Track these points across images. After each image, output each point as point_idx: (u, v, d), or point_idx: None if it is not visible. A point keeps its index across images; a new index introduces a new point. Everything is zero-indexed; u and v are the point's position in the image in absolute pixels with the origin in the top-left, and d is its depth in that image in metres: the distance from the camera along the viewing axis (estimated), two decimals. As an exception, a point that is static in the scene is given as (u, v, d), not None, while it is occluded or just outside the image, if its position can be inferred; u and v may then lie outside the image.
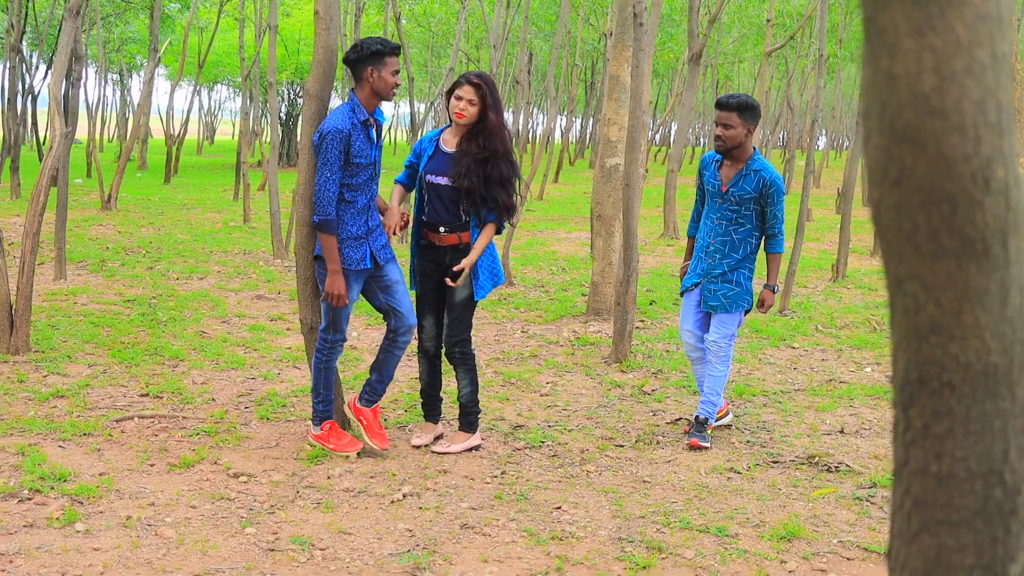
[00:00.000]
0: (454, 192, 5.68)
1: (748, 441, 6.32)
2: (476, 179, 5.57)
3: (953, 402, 1.23)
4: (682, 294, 6.47)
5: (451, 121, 5.74)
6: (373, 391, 5.96)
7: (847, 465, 5.87)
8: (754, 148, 6.14)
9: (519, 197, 5.90)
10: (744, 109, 6.03)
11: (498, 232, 5.86)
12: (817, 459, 5.95)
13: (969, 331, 1.20)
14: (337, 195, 5.53)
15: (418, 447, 5.97)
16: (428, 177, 5.77)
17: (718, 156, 6.19)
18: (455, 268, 5.68)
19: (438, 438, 6.13)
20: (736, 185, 6.07)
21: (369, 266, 5.72)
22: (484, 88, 5.55)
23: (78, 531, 4.60)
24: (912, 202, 1.16)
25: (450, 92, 5.67)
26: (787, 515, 5.10)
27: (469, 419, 6.04)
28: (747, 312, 6.26)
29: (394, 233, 5.91)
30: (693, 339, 6.41)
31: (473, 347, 6.02)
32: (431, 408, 6.22)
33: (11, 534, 4.53)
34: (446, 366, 6.21)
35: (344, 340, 5.88)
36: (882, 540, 4.81)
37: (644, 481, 5.58)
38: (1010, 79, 1.10)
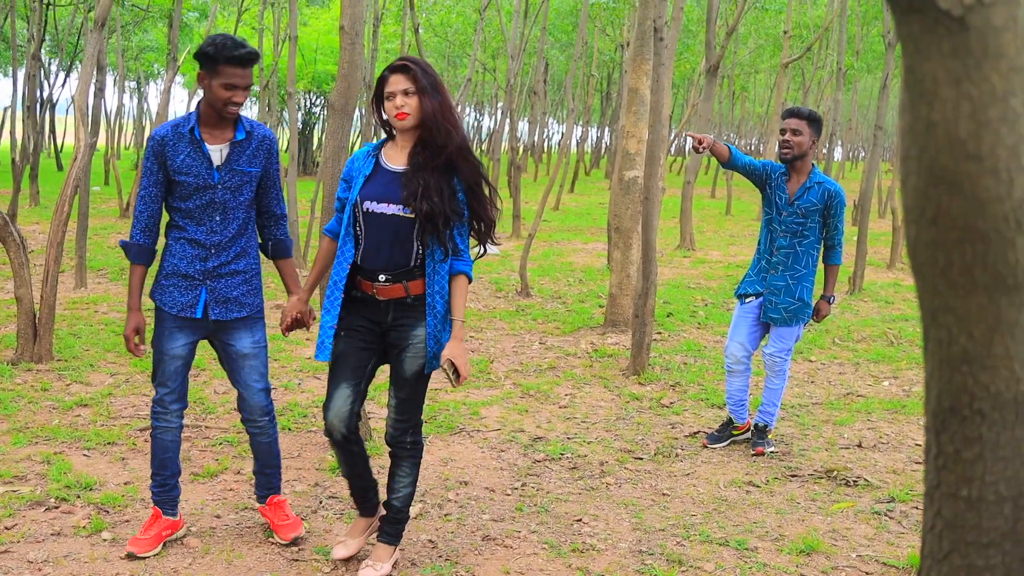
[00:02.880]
0: (406, 224, 4.09)
1: (766, 454, 6.36)
2: (438, 199, 4.02)
3: (983, 429, 1.29)
4: (739, 296, 6.43)
5: (389, 133, 4.28)
6: (261, 483, 4.90)
7: (865, 479, 5.90)
8: (813, 164, 6.26)
9: (494, 208, 4.29)
10: (813, 120, 6.17)
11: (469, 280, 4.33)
12: (835, 473, 5.99)
13: (999, 361, 1.26)
14: (153, 215, 4.47)
15: (342, 560, 4.57)
16: (367, 205, 4.14)
17: (782, 168, 6.24)
18: (442, 361, 4.17)
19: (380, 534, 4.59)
20: (802, 197, 6.13)
21: (198, 316, 4.52)
22: (415, 69, 4.06)
23: (104, 539, 4.66)
24: (947, 239, 1.21)
25: (379, 95, 4.19)
26: (806, 529, 5.13)
27: (398, 528, 4.54)
28: (805, 324, 6.35)
29: (282, 331, 4.64)
30: (742, 352, 6.40)
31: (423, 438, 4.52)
32: (363, 498, 4.65)
33: (39, 542, 4.60)
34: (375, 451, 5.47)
35: (178, 402, 4.69)
36: (901, 554, 4.84)
37: (663, 494, 5.62)
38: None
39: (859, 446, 6.60)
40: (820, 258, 6.32)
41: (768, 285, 6.26)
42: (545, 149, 48.63)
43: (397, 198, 4.09)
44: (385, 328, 4.27)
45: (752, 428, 6.53)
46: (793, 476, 5.98)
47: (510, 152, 23.61)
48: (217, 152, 4.41)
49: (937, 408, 1.31)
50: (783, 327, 6.29)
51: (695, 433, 6.76)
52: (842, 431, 6.94)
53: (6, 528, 4.74)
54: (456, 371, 4.15)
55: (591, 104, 36.76)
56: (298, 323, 4.57)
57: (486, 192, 4.20)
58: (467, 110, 51.57)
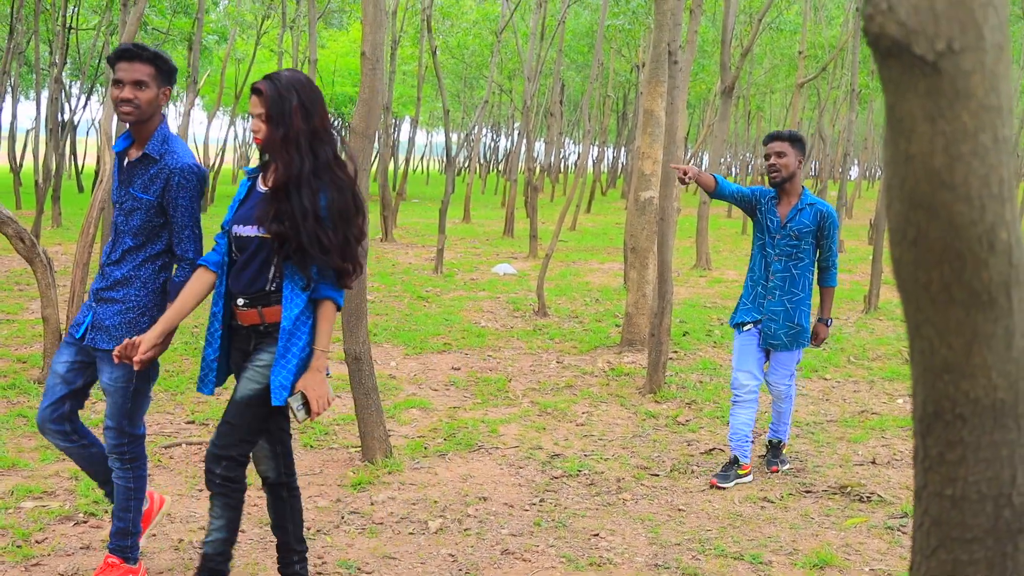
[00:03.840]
0: (264, 246, 3.89)
1: (781, 471, 6.44)
2: (288, 222, 3.77)
3: (965, 433, 1.41)
4: (736, 325, 6.31)
5: None
6: (116, 536, 4.41)
7: (879, 495, 5.97)
8: (803, 186, 6.24)
9: (357, 246, 3.93)
10: (795, 140, 6.15)
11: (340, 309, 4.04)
12: (849, 489, 6.06)
13: (978, 370, 1.38)
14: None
15: None
16: (235, 229, 3.99)
17: (772, 193, 6.22)
18: (295, 391, 3.86)
19: None
20: (794, 220, 6.09)
21: (76, 337, 4.26)
22: (266, 95, 3.79)
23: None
24: (927, 259, 1.33)
25: None
26: (820, 543, 5.21)
27: None
28: (803, 348, 6.34)
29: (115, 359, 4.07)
30: (753, 381, 6.23)
31: (245, 479, 4.08)
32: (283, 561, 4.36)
33: (69, 555, 4.71)
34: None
35: (56, 423, 4.32)
36: (913, 568, 4.91)
37: (679, 509, 5.70)
38: (1012, 157, 1.29)
39: (873, 463, 6.67)
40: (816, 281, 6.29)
41: (766, 311, 6.19)
42: (562, 169, 48.77)
43: (253, 218, 3.91)
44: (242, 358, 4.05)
45: (767, 445, 6.59)
46: (807, 492, 6.06)
47: (527, 172, 23.79)
48: (125, 168, 4.20)
49: (923, 414, 1.43)
50: (783, 352, 6.26)
51: (710, 450, 6.84)
52: (856, 448, 7.01)
53: (36, 542, 4.86)
54: (307, 405, 3.85)
55: (607, 124, 36.92)
56: (128, 351, 4.01)
57: (346, 229, 3.85)
58: (484, 131, 51.72)
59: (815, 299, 6.44)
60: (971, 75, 1.24)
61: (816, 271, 6.26)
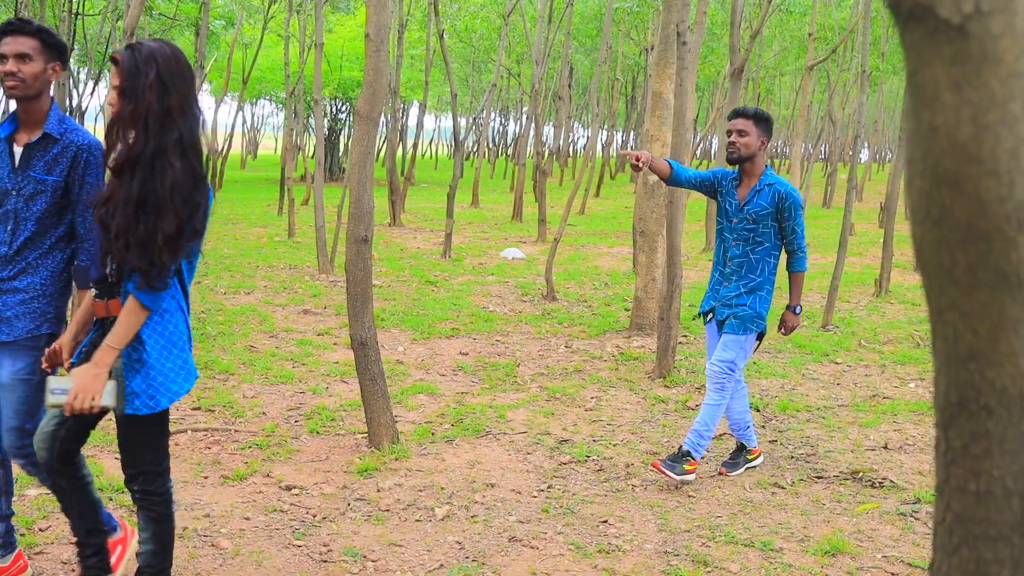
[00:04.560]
0: (103, 232, 3.52)
1: (792, 456, 6.37)
2: (111, 206, 3.43)
3: (990, 424, 1.32)
4: (699, 316, 6.12)
5: None
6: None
7: (891, 480, 5.90)
8: (767, 165, 5.91)
9: (176, 246, 3.44)
10: (761, 119, 5.81)
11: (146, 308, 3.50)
12: (861, 474, 5.99)
13: (1005, 358, 1.29)
14: None
15: None
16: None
17: (733, 174, 5.94)
18: (70, 374, 3.53)
19: None
20: (751, 202, 5.78)
21: None
22: (122, 65, 3.44)
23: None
24: (951, 239, 1.25)
25: None
26: (831, 530, 5.15)
27: None
28: (759, 339, 5.89)
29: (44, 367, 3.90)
30: None
31: (168, 488, 3.83)
32: (78, 546, 4.05)
33: (72, 543, 4.66)
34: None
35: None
36: (926, 555, 4.85)
37: (689, 495, 5.64)
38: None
39: (885, 448, 6.60)
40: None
41: (720, 298, 5.90)
42: (571, 153, 48.65)
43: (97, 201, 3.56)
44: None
45: (678, 448, 5.96)
46: (819, 478, 5.99)
47: (535, 157, 23.68)
48: (20, 153, 3.95)
49: (945, 404, 1.35)
50: (728, 333, 5.80)
51: (720, 435, 6.78)
52: (868, 433, 6.94)
53: (40, 530, 4.82)
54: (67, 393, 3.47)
55: (616, 108, 36.79)
56: (53, 358, 3.86)
57: (161, 225, 3.40)
58: (492, 115, 51.63)
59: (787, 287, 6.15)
60: (1000, 39, 1.16)
61: (784, 256, 5.92)
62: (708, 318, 6.01)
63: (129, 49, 3.45)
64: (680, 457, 5.80)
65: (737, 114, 5.85)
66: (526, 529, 5.06)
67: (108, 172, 3.56)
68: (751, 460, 6.16)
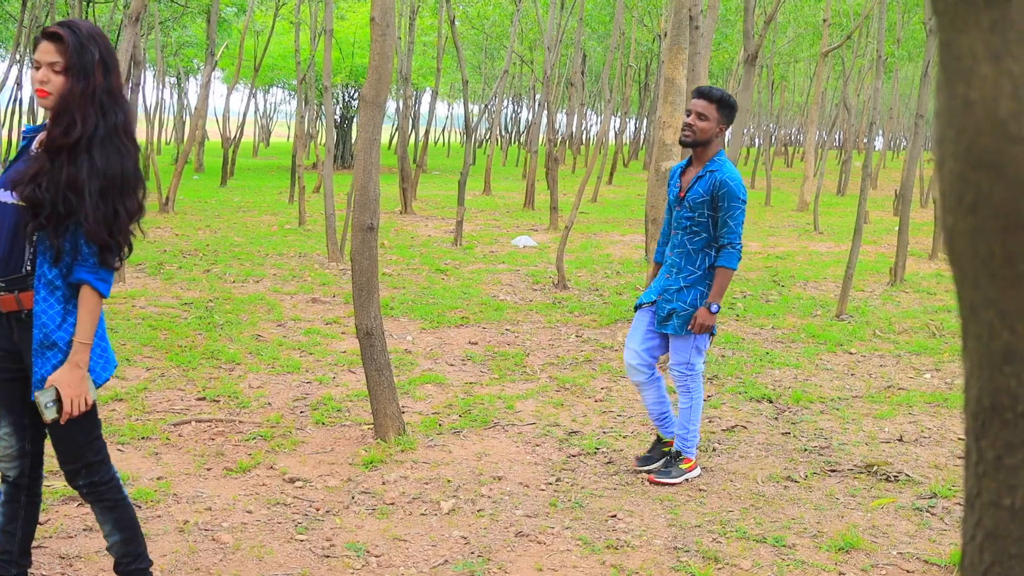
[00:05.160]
0: (19, 216, 3.35)
1: (805, 449, 6.25)
2: (48, 186, 3.29)
3: (1028, 433, 1.20)
4: (636, 309, 5.77)
5: None
6: None
7: (906, 474, 5.78)
8: (720, 151, 5.53)
9: (130, 221, 3.51)
10: (724, 104, 5.43)
11: (103, 295, 3.43)
12: (876, 468, 5.87)
13: (1046, 360, 1.17)
14: None
15: None
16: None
17: (686, 161, 5.64)
18: (47, 385, 3.36)
19: None
20: (691, 189, 5.46)
21: None
22: (68, 42, 3.32)
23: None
24: (988, 228, 1.13)
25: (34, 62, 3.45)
26: (845, 525, 5.04)
27: None
28: (712, 336, 5.64)
29: None
30: (636, 360, 5.66)
31: (114, 474, 3.69)
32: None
33: (71, 538, 4.60)
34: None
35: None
36: (943, 552, 4.74)
37: (700, 489, 5.53)
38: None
39: (900, 440, 6.48)
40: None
41: (662, 290, 5.58)
42: (583, 141, 48.49)
43: (11, 182, 3.39)
44: (12, 350, 3.49)
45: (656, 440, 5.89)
46: (832, 471, 5.88)
47: (548, 144, 23.58)
48: None
49: (977, 410, 1.23)
50: (673, 335, 5.54)
51: (732, 427, 6.66)
52: (883, 425, 6.82)
53: (39, 523, 4.73)
54: (59, 402, 3.36)
55: (629, 95, 36.64)
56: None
57: (116, 204, 3.38)
58: (505, 102, 51.55)
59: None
60: (1047, 3, 1.04)
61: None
62: (645, 306, 5.70)
63: (67, 26, 3.35)
64: (672, 461, 5.68)
65: (700, 94, 5.48)
66: (533, 523, 4.96)
67: (40, 150, 3.42)
68: (667, 451, 5.77)
